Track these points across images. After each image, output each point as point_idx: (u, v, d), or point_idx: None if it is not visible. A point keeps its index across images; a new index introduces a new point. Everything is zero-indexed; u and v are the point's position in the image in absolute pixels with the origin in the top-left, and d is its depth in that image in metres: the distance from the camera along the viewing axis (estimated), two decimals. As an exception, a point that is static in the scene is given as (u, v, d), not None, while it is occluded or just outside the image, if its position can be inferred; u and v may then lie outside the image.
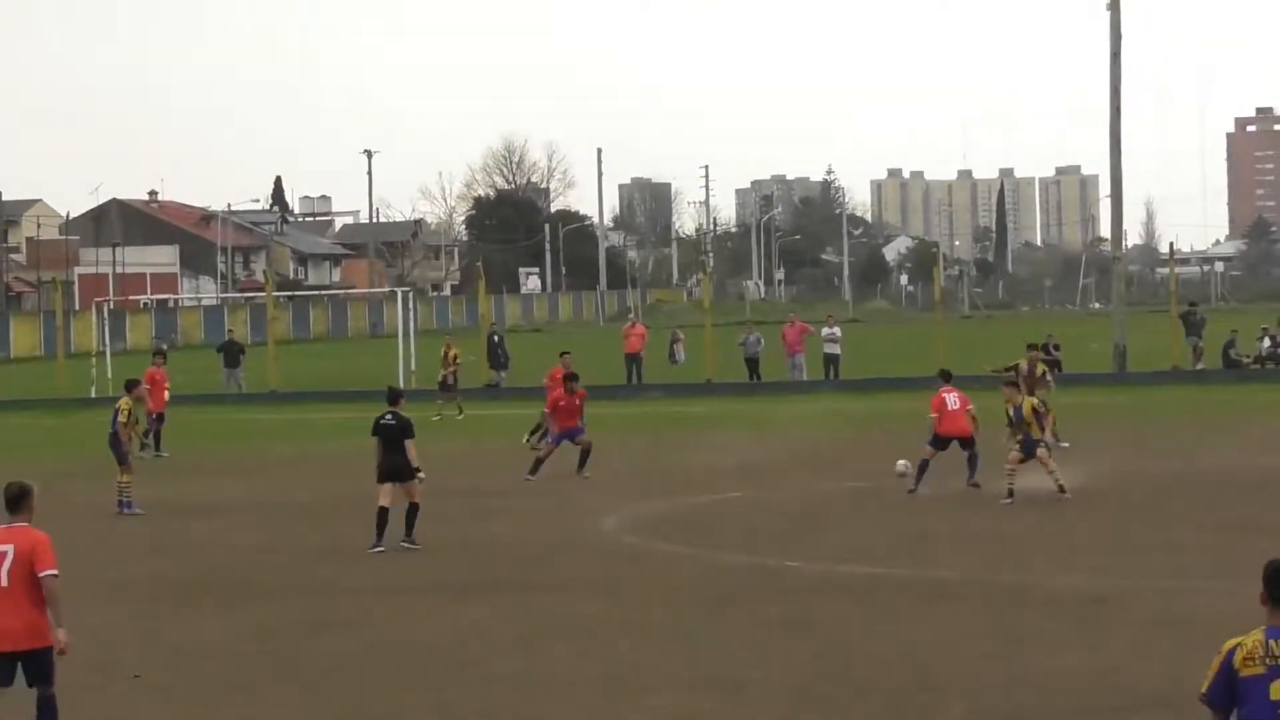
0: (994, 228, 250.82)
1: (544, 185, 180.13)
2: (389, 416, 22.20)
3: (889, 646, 16.00)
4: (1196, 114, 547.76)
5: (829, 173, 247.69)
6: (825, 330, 53.51)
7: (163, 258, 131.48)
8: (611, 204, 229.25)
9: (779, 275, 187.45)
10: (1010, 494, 25.50)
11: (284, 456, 36.46)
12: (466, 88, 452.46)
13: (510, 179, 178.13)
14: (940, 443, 27.09)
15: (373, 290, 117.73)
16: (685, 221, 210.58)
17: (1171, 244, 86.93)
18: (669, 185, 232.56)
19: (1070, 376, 47.96)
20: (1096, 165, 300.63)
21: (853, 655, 15.70)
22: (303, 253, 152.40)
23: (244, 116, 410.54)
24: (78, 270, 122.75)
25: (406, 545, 22.24)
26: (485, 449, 37.22)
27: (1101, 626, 16.75)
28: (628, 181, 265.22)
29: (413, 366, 54.43)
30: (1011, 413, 26.13)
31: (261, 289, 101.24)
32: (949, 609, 17.82)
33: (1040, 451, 25.74)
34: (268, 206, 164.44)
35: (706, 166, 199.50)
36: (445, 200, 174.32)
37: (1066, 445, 31.14)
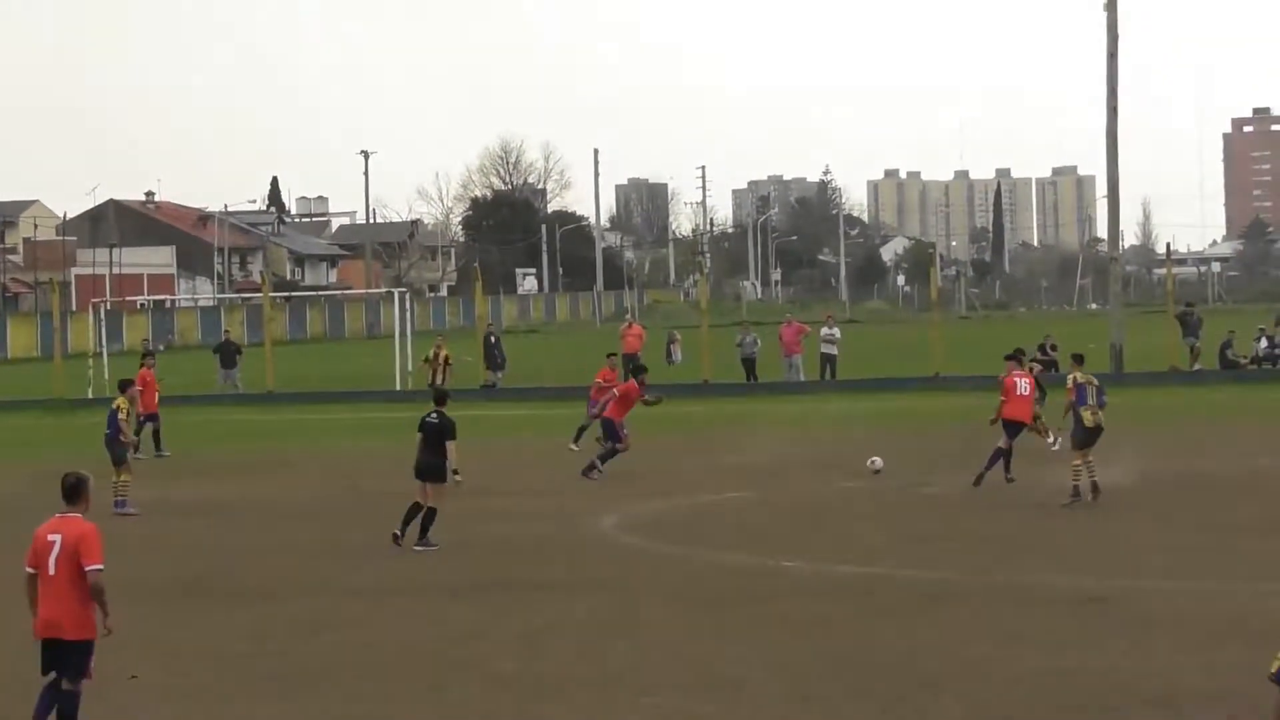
0: (991, 228, 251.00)
1: (540, 186, 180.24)
2: (433, 415, 22.44)
3: (888, 647, 15.99)
4: (1193, 114, 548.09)
5: (826, 173, 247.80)
6: (824, 330, 53.52)
7: (159, 258, 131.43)
8: (608, 204, 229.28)
9: (776, 276, 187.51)
10: (1076, 493, 24.93)
11: (280, 457, 36.43)
12: (463, 88, 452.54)
13: (507, 179, 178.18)
14: (1013, 429, 26.94)
15: (369, 291, 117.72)
16: (682, 222, 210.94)
17: (1168, 244, 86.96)
18: (666, 186, 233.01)
19: (1066, 377, 47.92)
20: (1093, 165, 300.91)
21: (851, 655, 15.69)
22: (299, 253, 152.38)
23: (241, 117, 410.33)
24: (74, 271, 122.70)
25: (419, 549, 22.23)
26: (482, 450, 37.17)
27: (1101, 626, 16.74)
28: (624, 182, 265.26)
29: (409, 367, 54.42)
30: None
31: (258, 290, 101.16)
32: (948, 609, 17.81)
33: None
34: (264, 207, 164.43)
35: (703, 167, 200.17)
36: (442, 201, 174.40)
37: (1056, 448, 31.06)
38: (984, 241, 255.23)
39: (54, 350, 60.12)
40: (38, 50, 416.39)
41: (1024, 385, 27.32)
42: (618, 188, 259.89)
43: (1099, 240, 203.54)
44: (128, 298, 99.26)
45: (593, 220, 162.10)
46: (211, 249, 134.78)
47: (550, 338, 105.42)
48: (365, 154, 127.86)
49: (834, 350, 53.01)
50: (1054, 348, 52.31)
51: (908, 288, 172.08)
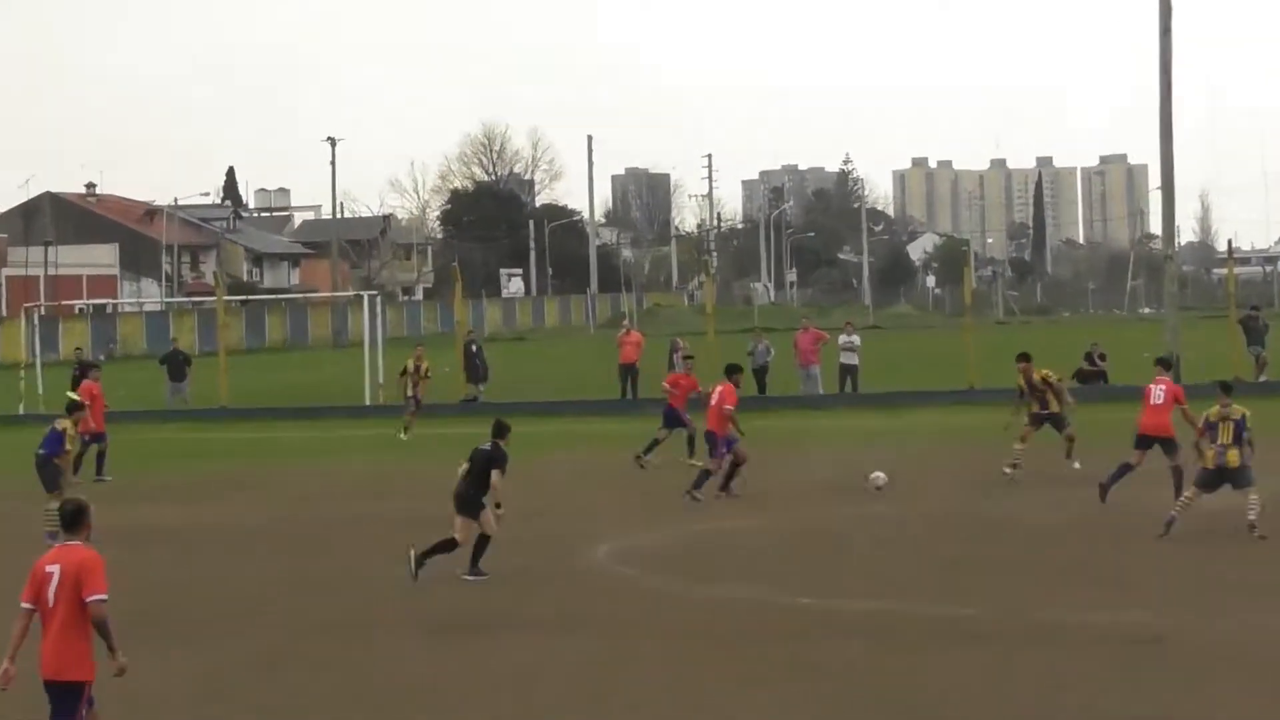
0: (1031, 223, 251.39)
1: (528, 176, 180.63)
2: (488, 444, 22.89)
3: (910, 692, 16.03)
4: (1256, 96, 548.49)
5: (846, 162, 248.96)
6: (842, 339, 53.58)
7: (101, 257, 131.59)
8: (603, 197, 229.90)
9: (791, 277, 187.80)
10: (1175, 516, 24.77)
11: (236, 480, 36.49)
12: (441, 67, 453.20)
13: (490, 169, 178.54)
14: (1144, 442, 27.00)
15: (336, 294, 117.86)
16: (686, 217, 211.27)
17: (1230, 241, 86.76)
18: (667, 176, 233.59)
19: (1117, 390, 48.01)
20: (1145, 153, 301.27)
21: (869, 701, 15.74)
22: (258, 252, 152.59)
23: (193, 100, 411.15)
24: (5, 272, 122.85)
25: (470, 579, 22.49)
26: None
27: (1155, 669, 16.78)
28: (621, 172, 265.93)
29: (380, 379, 54.48)
30: (1024, 383, 27.05)
31: (211, 293, 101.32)
32: (978, 649, 17.86)
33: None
34: (219, 200, 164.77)
35: (710, 155, 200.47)
36: (417, 193, 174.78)
37: (1078, 466, 31.21)
38: (1023, 238, 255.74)
39: (-19, 360, 60.16)
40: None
41: (1158, 393, 27.32)
42: (614, 178, 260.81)
43: (1152, 237, 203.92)
44: (65, 302, 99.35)
45: (586, 215, 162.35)
46: (159, 247, 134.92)
47: (538, 346, 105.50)
48: (331, 141, 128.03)
49: (855, 360, 53.08)
50: (1102, 357, 52.42)
51: (938, 290, 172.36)
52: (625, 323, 73.97)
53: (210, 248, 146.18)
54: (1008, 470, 30.97)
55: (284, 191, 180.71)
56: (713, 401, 31.05)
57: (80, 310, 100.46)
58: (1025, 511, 27.56)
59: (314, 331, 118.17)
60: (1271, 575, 22.03)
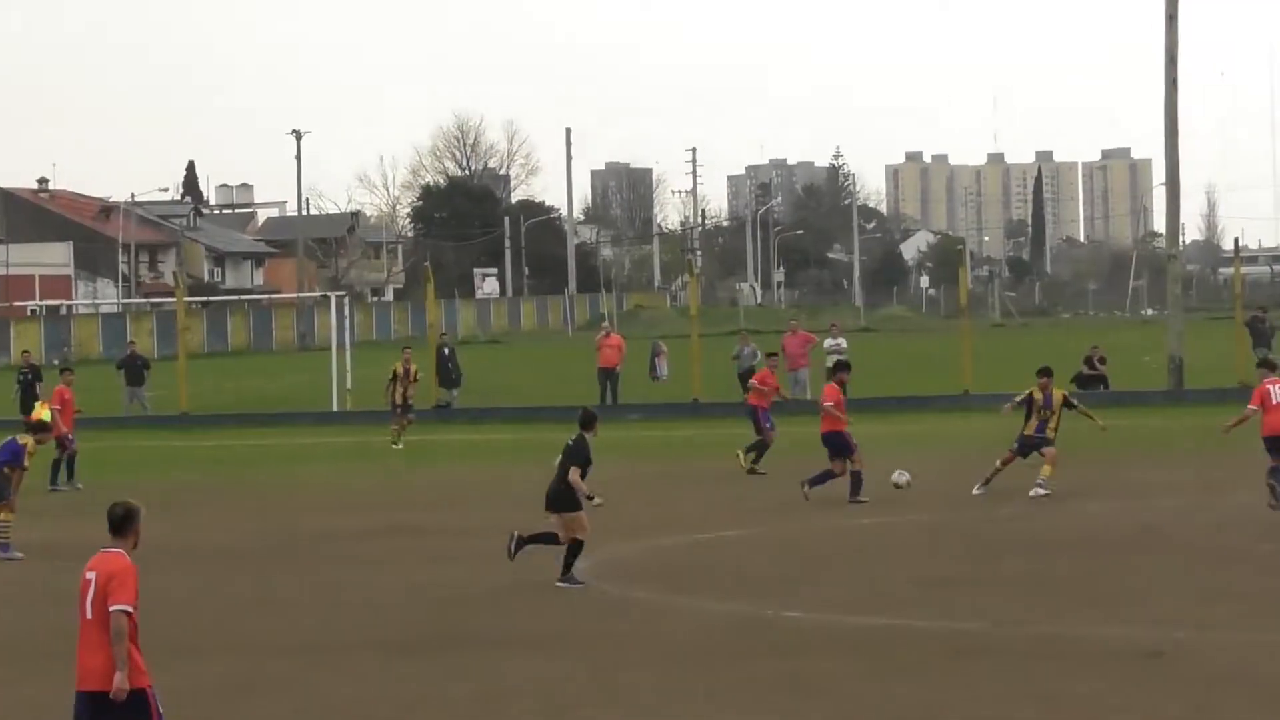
0: (1029, 221, 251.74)
1: (503, 171, 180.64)
2: (576, 437, 22.94)
3: (907, 710, 16.04)
4: (1265, 89, 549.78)
5: (836, 157, 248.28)
6: (828, 342, 53.65)
7: (54, 257, 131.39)
8: (582, 193, 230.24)
9: (778, 277, 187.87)
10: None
11: (198, 491, 36.44)
12: (412, 57, 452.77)
13: (464, 164, 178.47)
14: (1273, 444, 26.87)
15: (302, 295, 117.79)
16: (669, 214, 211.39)
17: (1236, 239, 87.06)
18: (649, 171, 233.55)
19: (1119, 395, 48.12)
20: (1149, 148, 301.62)
21: (865, 721, 15.74)
22: (219, 251, 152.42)
23: (151, 92, 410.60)
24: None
25: (562, 585, 22.70)
26: (433, 480, 37.22)
27: (1157, 685, 16.81)
28: (601, 167, 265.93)
29: (349, 384, 54.42)
30: (1041, 398, 29.27)
31: (170, 294, 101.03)
32: (977, 666, 17.87)
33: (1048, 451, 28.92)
34: (178, 197, 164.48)
35: (694, 150, 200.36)
36: (387, 189, 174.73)
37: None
38: (1022, 236, 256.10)
39: (-70, 365, 60.08)
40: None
41: (1278, 393, 27.24)
42: (593, 174, 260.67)
43: (1156, 235, 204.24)
44: (16, 303, 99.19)
45: (564, 212, 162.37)
46: (116, 246, 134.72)
47: (514, 349, 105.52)
48: (297, 134, 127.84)
49: (844, 364, 53.07)
50: (1102, 360, 52.54)
51: (932, 291, 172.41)
52: (605, 325, 73.80)
53: (169, 246, 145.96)
54: (977, 491, 30.64)
55: (247, 188, 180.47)
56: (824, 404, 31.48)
57: (32, 312, 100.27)
58: (1023, 523, 27.58)
59: (279, 334, 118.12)
60: (1275, 588, 22.06)
